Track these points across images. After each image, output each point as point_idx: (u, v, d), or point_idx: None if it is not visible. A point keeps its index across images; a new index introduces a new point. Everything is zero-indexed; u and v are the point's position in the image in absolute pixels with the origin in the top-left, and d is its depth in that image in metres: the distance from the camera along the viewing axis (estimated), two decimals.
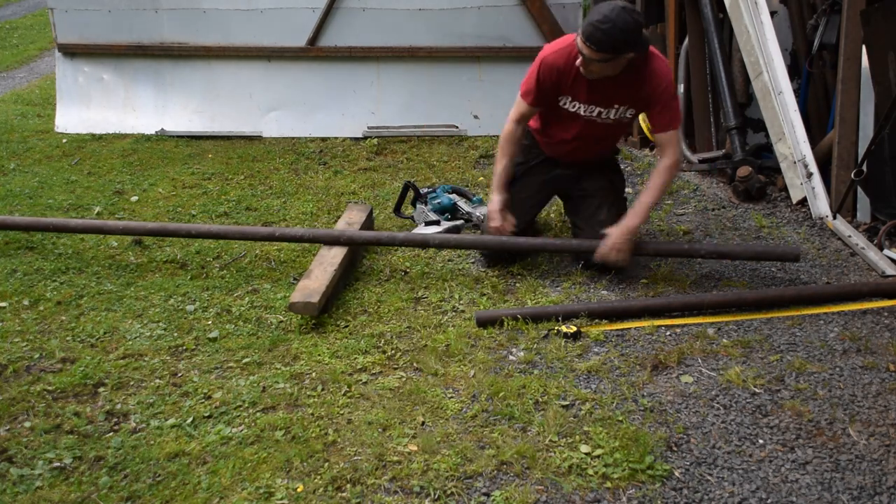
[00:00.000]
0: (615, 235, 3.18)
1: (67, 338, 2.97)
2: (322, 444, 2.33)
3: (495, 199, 3.38)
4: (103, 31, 5.61)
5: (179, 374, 2.73)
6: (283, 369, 2.74)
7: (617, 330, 2.93)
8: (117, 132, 5.64)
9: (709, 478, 2.18)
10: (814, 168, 3.93)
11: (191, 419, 2.47)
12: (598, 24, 2.92)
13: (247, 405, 2.54)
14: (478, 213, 3.85)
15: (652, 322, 2.96)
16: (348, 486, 2.16)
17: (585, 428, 2.37)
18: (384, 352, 2.84)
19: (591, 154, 3.46)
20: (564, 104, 3.26)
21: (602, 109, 3.24)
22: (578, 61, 3.07)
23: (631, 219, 3.21)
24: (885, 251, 3.42)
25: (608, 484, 2.16)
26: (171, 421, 2.46)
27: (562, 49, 3.18)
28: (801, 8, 4.42)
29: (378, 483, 2.17)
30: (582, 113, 3.26)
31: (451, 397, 2.56)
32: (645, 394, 2.55)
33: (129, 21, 5.57)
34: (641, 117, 5.13)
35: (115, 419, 2.49)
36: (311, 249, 3.68)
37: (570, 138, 3.36)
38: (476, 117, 5.49)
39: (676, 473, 2.19)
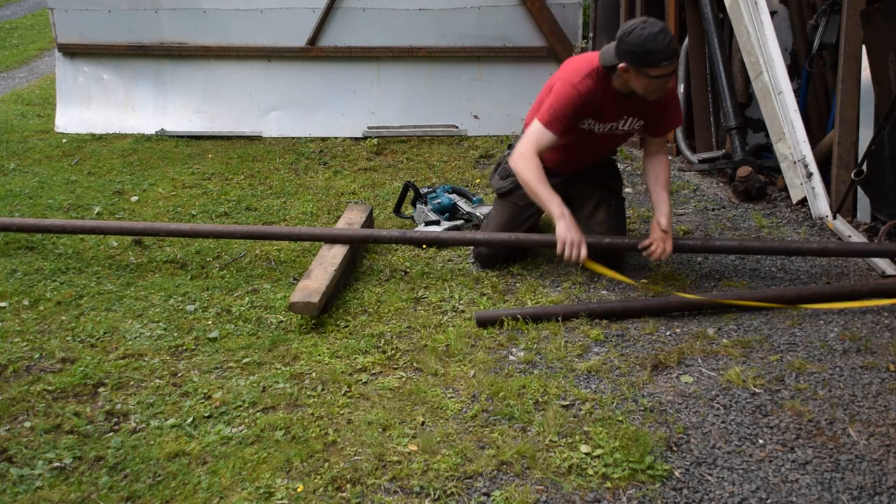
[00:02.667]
0: (658, 237, 3.16)
1: (67, 338, 2.98)
2: (322, 444, 2.33)
3: (566, 216, 3.10)
4: (103, 31, 5.61)
5: (179, 374, 2.73)
6: (283, 369, 2.74)
7: (617, 330, 2.93)
8: (117, 132, 5.64)
9: (709, 478, 2.18)
10: (814, 168, 3.93)
11: (191, 419, 2.47)
12: (657, 39, 2.87)
13: (247, 405, 2.54)
14: (478, 214, 3.85)
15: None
16: (348, 486, 2.16)
17: (585, 428, 2.38)
18: (384, 352, 2.84)
19: (592, 163, 3.45)
20: (584, 125, 3.20)
21: (614, 123, 3.22)
22: (643, 87, 3.00)
23: (663, 218, 3.18)
24: None
25: (608, 484, 2.16)
26: (171, 421, 2.46)
27: (586, 76, 3.09)
28: (801, 8, 4.42)
29: (378, 483, 2.17)
30: (596, 130, 3.23)
31: (451, 397, 2.56)
32: (645, 394, 2.55)
33: (129, 21, 5.57)
34: None
35: (115, 419, 2.49)
36: (311, 249, 3.68)
37: (577, 151, 3.33)
38: (476, 117, 5.49)
39: (676, 473, 2.19)
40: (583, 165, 3.44)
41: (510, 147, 3.56)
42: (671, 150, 5.00)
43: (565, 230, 3.08)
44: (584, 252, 3.08)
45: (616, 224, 3.42)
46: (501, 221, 3.46)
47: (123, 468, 2.26)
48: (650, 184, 3.33)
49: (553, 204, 3.12)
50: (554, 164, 3.42)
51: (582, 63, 3.18)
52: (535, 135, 3.17)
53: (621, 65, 2.96)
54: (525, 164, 3.16)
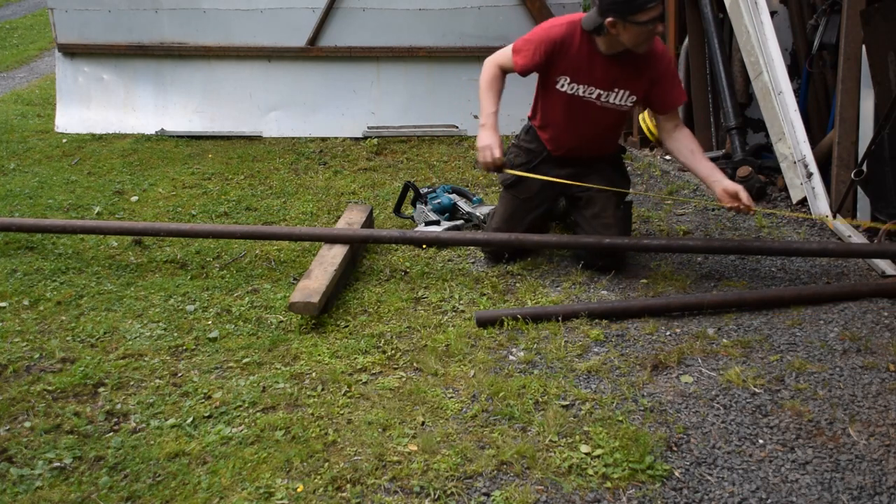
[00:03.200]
0: (745, 196, 3.12)
1: (67, 338, 2.98)
2: (322, 444, 2.33)
3: (488, 124, 3.23)
4: (103, 31, 5.62)
5: (179, 374, 2.73)
6: (283, 369, 2.74)
7: (617, 330, 2.93)
8: (117, 132, 5.65)
9: (709, 478, 2.18)
10: (814, 168, 3.93)
11: (191, 419, 2.47)
12: None
13: (247, 405, 2.54)
14: (478, 214, 3.85)
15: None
16: (348, 486, 2.16)
17: (585, 428, 2.37)
18: (384, 352, 2.84)
19: (593, 148, 3.43)
20: (563, 86, 3.23)
21: (602, 92, 3.23)
22: (633, 39, 3.03)
23: (724, 178, 3.20)
24: None
25: (608, 484, 2.15)
26: (171, 421, 2.46)
27: (562, 24, 3.19)
28: (801, 8, 4.42)
29: (378, 483, 2.17)
30: (581, 94, 3.24)
31: (451, 397, 2.56)
32: (645, 394, 2.55)
33: (129, 21, 5.57)
34: (641, 117, 5.15)
35: (115, 419, 2.49)
36: (311, 249, 3.68)
37: (570, 126, 3.33)
38: (476, 117, 5.46)
39: (676, 473, 2.19)
40: (583, 148, 3.41)
41: (512, 144, 3.57)
42: None
43: (481, 137, 3.23)
44: (496, 152, 3.20)
45: (622, 227, 3.42)
46: (504, 215, 3.48)
47: (123, 468, 2.26)
48: (687, 159, 3.32)
49: (484, 113, 3.26)
50: (550, 142, 3.43)
51: (561, 17, 3.28)
52: (505, 53, 3.29)
53: (608, 20, 2.99)
54: (485, 70, 3.31)
